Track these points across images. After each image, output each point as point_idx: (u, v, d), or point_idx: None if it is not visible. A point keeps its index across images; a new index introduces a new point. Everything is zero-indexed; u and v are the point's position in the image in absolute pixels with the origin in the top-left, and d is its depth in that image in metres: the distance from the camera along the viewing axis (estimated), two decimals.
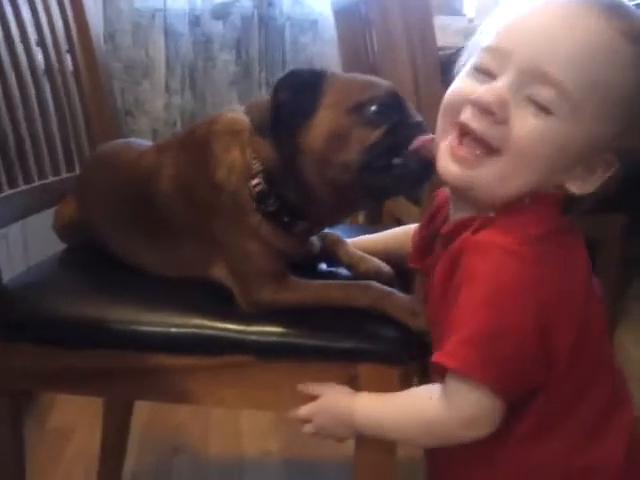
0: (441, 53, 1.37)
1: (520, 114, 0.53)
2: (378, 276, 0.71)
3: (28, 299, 0.71)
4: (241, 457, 1.34)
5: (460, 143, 0.56)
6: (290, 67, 2.11)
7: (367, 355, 0.63)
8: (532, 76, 0.52)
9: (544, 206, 0.56)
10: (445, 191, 0.66)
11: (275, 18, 2.07)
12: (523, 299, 0.52)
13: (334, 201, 0.66)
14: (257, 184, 0.66)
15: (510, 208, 0.56)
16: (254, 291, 0.67)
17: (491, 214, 0.56)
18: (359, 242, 0.79)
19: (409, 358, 0.64)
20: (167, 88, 2.06)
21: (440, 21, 1.69)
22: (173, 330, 0.66)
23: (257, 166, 0.67)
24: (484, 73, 0.55)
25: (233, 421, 1.46)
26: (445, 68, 1.18)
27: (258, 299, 0.67)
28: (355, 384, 0.64)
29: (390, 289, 0.67)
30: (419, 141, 0.62)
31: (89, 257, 0.83)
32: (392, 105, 0.64)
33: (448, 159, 0.57)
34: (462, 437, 0.56)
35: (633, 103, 0.53)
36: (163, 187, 0.71)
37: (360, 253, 0.75)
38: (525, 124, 0.53)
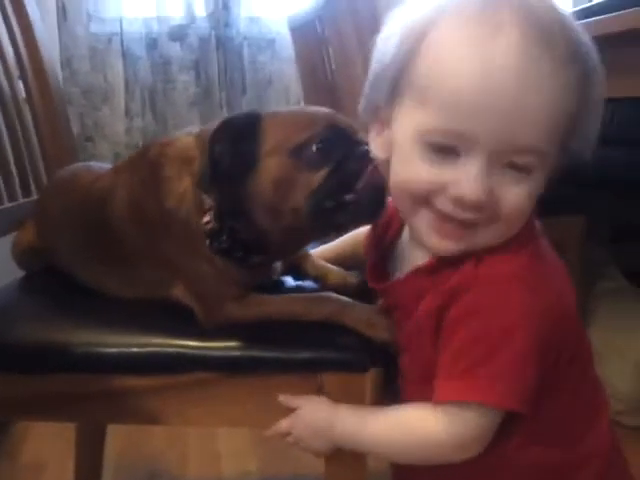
0: None
1: (503, 185, 0.51)
2: (345, 287, 0.71)
3: None
4: (220, 478, 1.32)
5: (444, 222, 0.53)
6: (249, 86, 2.11)
7: (329, 364, 0.64)
8: (506, 152, 0.50)
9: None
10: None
11: (232, 38, 2.09)
12: (534, 322, 0.52)
13: (288, 240, 0.66)
14: (208, 222, 0.65)
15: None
16: (214, 310, 0.67)
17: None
18: (315, 253, 0.79)
19: (372, 364, 0.64)
20: (127, 112, 2.06)
21: None
22: (135, 350, 0.65)
23: (208, 202, 0.65)
24: (443, 152, 0.51)
25: (210, 443, 1.44)
26: None
27: (218, 317, 0.66)
28: (322, 394, 0.64)
29: (349, 301, 0.66)
30: (369, 173, 0.59)
31: (49, 282, 0.82)
32: (333, 139, 0.61)
33: (435, 236, 0.54)
34: (453, 458, 0.55)
35: (574, 119, 0.52)
36: (116, 209, 0.71)
37: (326, 265, 0.75)
38: (511, 194, 0.51)
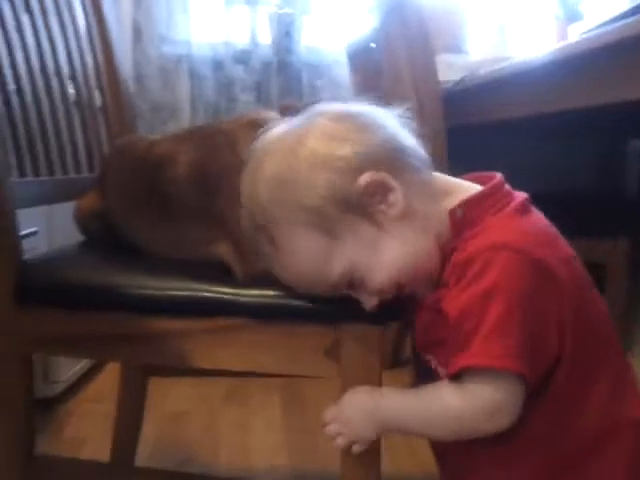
0: (445, 87, 1.47)
1: None
2: None
3: (42, 268, 0.78)
4: (250, 471, 1.36)
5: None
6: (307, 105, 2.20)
7: (350, 316, 0.68)
8: None
9: (481, 203, 0.60)
10: None
11: (292, 63, 2.20)
12: (536, 279, 0.55)
13: None
14: None
15: (459, 225, 0.59)
16: (250, 264, 0.72)
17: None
18: None
19: (389, 319, 0.68)
20: None
21: (446, 59, 1.80)
22: (174, 293, 0.72)
23: None
24: None
25: (242, 436, 1.49)
26: (447, 100, 1.28)
27: (255, 270, 0.72)
28: (338, 346, 0.68)
29: None
30: None
31: (105, 243, 0.90)
32: None
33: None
34: (486, 429, 0.57)
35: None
36: (179, 172, 0.79)
37: None
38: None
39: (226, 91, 2.18)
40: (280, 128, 0.62)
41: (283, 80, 2.21)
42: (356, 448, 0.64)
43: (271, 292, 0.70)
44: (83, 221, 0.94)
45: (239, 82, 2.18)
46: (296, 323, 0.70)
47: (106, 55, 1.15)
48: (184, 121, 2.19)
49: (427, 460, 0.75)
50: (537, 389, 0.57)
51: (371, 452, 0.66)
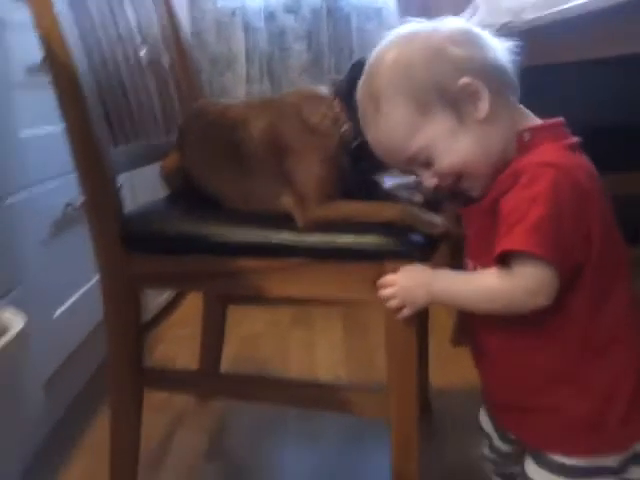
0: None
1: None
2: (410, 202, 0.91)
3: (143, 220, 0.97)
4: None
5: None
6: (357, 53, 2.33)
7: (393, 254, 0.83)
8: None
9: (544, 132, 0.72)
10: None
11: (342, 8, 2.28)
12: (575, 194, 0.66)
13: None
14: (346, 130, 0.88)
15: (525, 145, 0.71)
16: (311, 210, 0.88)
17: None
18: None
19: (424, 257, 0.83)
20: (248, 78, 2.32)
21: (490, 1, 1.84)
22: (249, 239, 0.89)
23: (343, 118, 0.88)
24: None
25: (308, 355, 1.70)
26: None
27: (313, 216, 0.88)
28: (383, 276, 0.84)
29: (412, 207, 0.86)
30: None
31: (188, 197, 1.07)
32: None
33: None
34: (525, 303, 0.67)
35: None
36: (253, 134, 0.94)
37: (392, 185, 0.95)
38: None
39: (279, 41, 2.28)
40: (409, 26, 0.75)
41: (333, 26, 2.29)
42: (405, 312, 0.78)
43: (327, 237, 0.86)
44: (168, 178, 1.12)
45: (290, 31, 2.28)
46: (346, 261, 0.86)
47: (170, 19, 1.28)
48: (240, 72, 2.32)
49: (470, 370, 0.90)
50: (569, 282, 0.69)
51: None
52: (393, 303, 0.79)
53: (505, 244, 0.67)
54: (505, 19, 1.58)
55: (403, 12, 1.97)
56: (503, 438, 0.88)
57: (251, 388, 1.02)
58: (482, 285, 0.72)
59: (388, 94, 0.72)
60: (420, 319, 1.12)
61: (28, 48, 1.15)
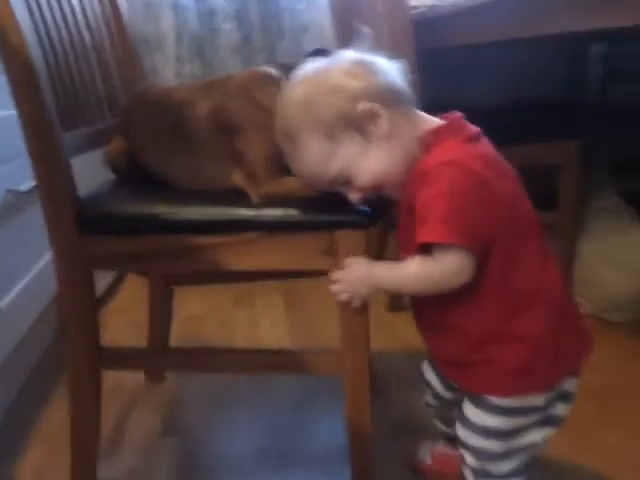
0: (414, 12, 1.60)
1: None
2: None
3: (96, 202, 0.99)
4: None
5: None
6: (287, 33, 2.32)
7: (341, 224, 0.90)
8: None
9: (443, 131, 0.82)
10: None
11: None
12: (472, 184, 0.76)
13: None
14: None
15: (428, 146, 0.81)
16: (262, 184, 0.93)
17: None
18: None
19: (371, 224, 0.90)
20: (178, 58, 2.31)
21: None
22: (204, 217, 0.93)
23: None
24: None
25: (252, 332, 1.76)
26: (417, 25, 1.41)
27: (265, 190, 0.93)
28: (334, 246, 0.90)
29: None
30: None
31: (136, 180, 1.10)
32: None
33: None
34: (450, 283, 0.77)
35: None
36: (199, 115, 0.97)
37: None
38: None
39: (208, 20, 2.28)
40: (312, 64, 0.85)
41: (263, 6, 2.30)
42: (355, 303, 0.89)
43: (279, 211, 0.92)
44: (114, 162, 1.13)
45: (220, 11, 2.28)
46: (299, 233, 0.92)
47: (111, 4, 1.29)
48: (170, 52, 2.30)
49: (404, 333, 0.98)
50: (485, 257, 0.79)
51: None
52: (342, 297, 0.89)
53: (421, 237, 0.77)
54: (432, 2, 1.67)
55: None
56: (446, 385, 0.98)
57: (207, 358, 1.07)
58: (412, 272, 0.81)
59: (300, 130, 0.83)
60: None
61: None
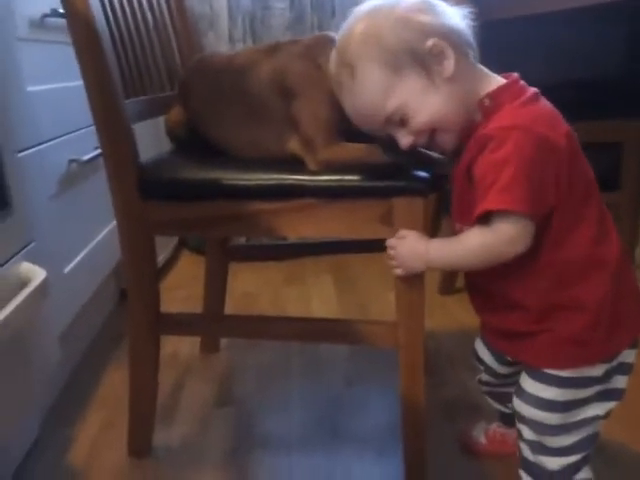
0: None
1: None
2: None
3: (158, 169, 1.00)
4: None
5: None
6: (339, 12, 2.33)
7: (399, 190, 0.89)
8: None
9: (502, 95, 0.79)
10: None
11: None
12: (538, 149, 0.73)
13: None
14: None
15: (488, 111, 0.79)
16: (319, 151, 0.92)
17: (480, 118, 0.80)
18: None
19: (429, 191, 0.89)
20: (230, 37, 2.32)
21: None
22: (262, 182, 0.93)
23: None
24: None
25: (304, 308, 1.77)
26: None
27: (322, 157, 0.92)
28: (391, 214, 0.89)
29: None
30: None
31: (195, 149, 1.11)
32: None
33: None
34: (508, 252, 0.76)
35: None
36: (261, 77, 0.97)
37: None
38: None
39: (261, 0, 2.29)
40: (373, 1, 0.81)
41: None
42: (399, 272, 0.88)
43: (336, 177, 0.91)
44: (173, 131, 1.15)
45: None
46: (356, 199, 0.91)
47: None
48: (223, 31, 2.32)
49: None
50: (542, 226, 0.77)
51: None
52: (397, 272, 0.89)
53: (484, 204, 0.74)
54: None
55: None
56: (501, 361, 0.97)
57: (261, 325, 1.08)
58: (470, 245, 0.80)
59: (362, 62, 0.79)
60: None
61: (29, 1, 1.17)
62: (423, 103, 0.79)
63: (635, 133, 1.69)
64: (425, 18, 0.78)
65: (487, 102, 0.80)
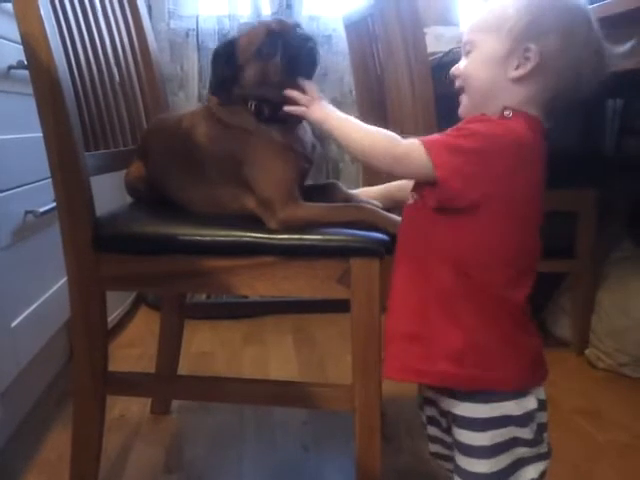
0: (432, 57, 1.63)
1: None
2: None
3: (114, 222, 0.99)
4: None
5: None
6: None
7: (357, 251, 0.89)
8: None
9: (523, 118, 0.80)
10: None
11: None
12: (502, 153, 0.74)
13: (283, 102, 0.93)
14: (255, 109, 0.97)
15: (502, 119, 0.80)
16: (279, 210, 0.93)
17: None
18: (365, 191, 1.04)
19: (385, 253, 0.89)
20: (200, 97, 2.36)
21: (436, 31, 1.96)
22: (219, 239, 0.93)
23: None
24: None
25: (261, 370, 1.73)
26: (436, 70, 1.43)
27: (282, 216, 0.92)
28: (349, 274, 0.89)
29: (377, 209, 0.93)
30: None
31: (153, 203, 1.10)
32: (275, 39, 0.94)
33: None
34: (385, 157, 0.76)
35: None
36: (202, 141, 0.99)
37: (352, 192, 1.02)
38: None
39: None
40: None
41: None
42: (293, 108, 0.90)
43: (295, 236, 0.91)
44: (133, 185, 1.14)
45: None
46: (314, 259, 0.91)
47: (140, 40, 1.32)
48: (192, 91, 2.36)
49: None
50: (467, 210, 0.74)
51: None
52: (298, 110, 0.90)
53: (426, 138, 0.75)
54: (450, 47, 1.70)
55: (350, 39, 2.06)
56: (436, 406, 0.92)
57: (214, 386, 1.05)
58: (374, 130, 0.79)
59: (480, 36, 0.81)
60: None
61: None
62: (480, 62, 0.80)
63: (589, 202, 1.75)
64: (573, 31, 0.78)
65: (507, 113, 0.81)
